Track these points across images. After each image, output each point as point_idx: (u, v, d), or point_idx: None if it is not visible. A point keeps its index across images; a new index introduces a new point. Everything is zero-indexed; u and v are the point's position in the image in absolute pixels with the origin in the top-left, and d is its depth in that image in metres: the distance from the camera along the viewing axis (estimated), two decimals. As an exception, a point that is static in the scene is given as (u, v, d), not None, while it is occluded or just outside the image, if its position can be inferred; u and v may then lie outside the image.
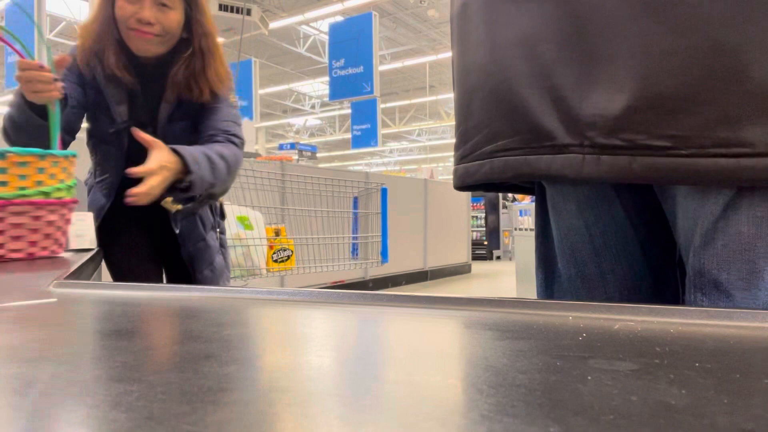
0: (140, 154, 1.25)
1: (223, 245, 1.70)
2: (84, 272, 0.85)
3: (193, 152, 1.29)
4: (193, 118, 1.46)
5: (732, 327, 0.35)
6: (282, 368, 0.29)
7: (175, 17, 1.34)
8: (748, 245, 0.47)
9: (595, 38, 0.48)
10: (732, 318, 0.36)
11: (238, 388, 0.25)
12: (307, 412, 0.21)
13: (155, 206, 1.33)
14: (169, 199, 1.38)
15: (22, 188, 1.02)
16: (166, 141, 1.29)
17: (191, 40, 1.39)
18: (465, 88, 0.61)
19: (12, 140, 1.30)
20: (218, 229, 1.68)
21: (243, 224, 2.27)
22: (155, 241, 1.59)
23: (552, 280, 0.68)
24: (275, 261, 2.42)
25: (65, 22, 10.99)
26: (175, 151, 1.26)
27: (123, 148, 1.44)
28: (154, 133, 1.34)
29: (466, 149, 0.61)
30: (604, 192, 0.60)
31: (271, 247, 2.41)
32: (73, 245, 1.28)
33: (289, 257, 2.43)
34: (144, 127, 1.35)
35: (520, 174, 0.54)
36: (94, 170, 1.54)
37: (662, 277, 0.62)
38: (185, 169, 1.26)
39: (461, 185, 0.63)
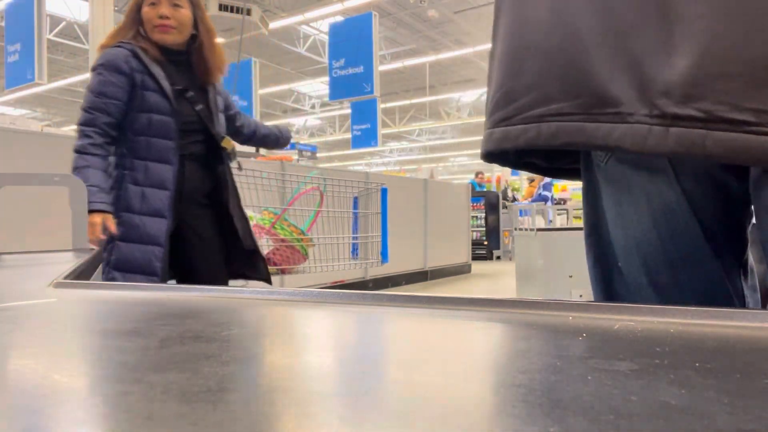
0: (191, 121, 1.79)
1: None
2: (84, 272, 0.85)
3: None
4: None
5: (732, 327, 0.35)
6: (282, 368, 0.29)
7: (185, 13, 1.78)
8: None
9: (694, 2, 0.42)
10: (732, 318, 0.36)
11: (238, 388, 0.25)
12: (307, 412, 0.21)
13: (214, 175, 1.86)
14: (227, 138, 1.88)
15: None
16: (217, 118, 1.86)
17: (198, 36, 1.83)
18: (518, 43, 0.56)
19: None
20: None
21: None
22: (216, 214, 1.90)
23: (611, 279, 0.65)
24: (275, 261, 2.42)
25: (65, 22, 10.99)
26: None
27: (179, 114, 1.79)
28: (207, 106, 1.83)
29: (509, 111, 0.55)
30: (678, 203, 0.56)
31: (271, 247, 2.41)
32: None
33: (289, 257, 2.43)
34: (195, 99, 1.81)
35: (571, 142, 0.49)
36: (133, 154, 1.77)
37: (734, 286, 0.60)
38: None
39: (495, 149, 0.58)
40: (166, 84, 1.74)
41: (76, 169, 1.67)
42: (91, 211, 1.54)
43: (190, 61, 1.84)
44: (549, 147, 0.52)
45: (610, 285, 0.66)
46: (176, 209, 1.77)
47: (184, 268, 1.86)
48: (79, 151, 1.69)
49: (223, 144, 1.87)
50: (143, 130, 1.73)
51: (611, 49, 0.46)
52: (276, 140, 2.19)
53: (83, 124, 1.71)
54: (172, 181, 1.74)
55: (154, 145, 1.74)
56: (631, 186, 0.59)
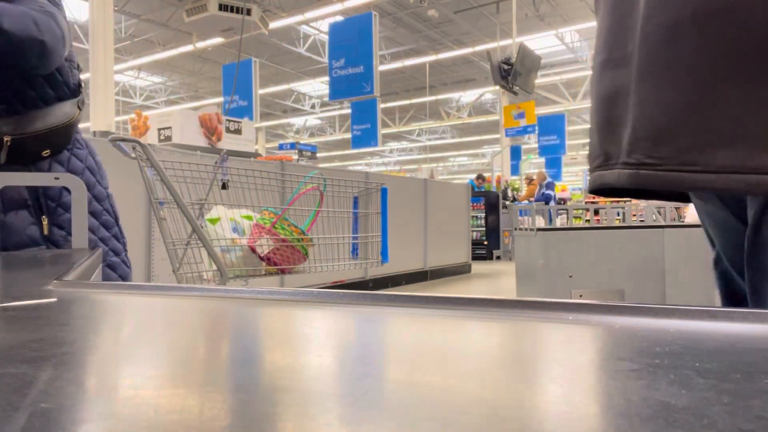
0: None
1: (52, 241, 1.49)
2: (84, 272, 0.85)
3: None
4: None
5: (732, 327, 0.35)
6: (282, 368, 0.29)
7: None
8: None
9: (634, 95, 0.73)
10: (732, 318, 0.36)
11: (238, 389, 0.25)
12: (307, 412, 0.21)
13: None
14: None
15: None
16: None
17: None
18: (591, 123, 0.90)
19: None
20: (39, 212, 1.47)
21: (240, 220, 2.27)
22: None
23: (728, 273, 0.93)
24: (275, 261, 2.41)
25: (65, 22, 10.98)
26: None
27: None
28: None
29: (589, 164, 0.90)
30: (722, 209, 0.83)
31: (271, 247, 2.40)
32: None
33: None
34: None
35: (601, 183, 0.81)
36: None
37: None
38: None
39: (590, 189, 0.91)
40: None
41: None
42: None
43: None
44: (595, 187, 0.84)
45: (729, 280, 0.93)
46: None
47: None
48: None
49: None
50: None
51: (613, 128, 0.79)
52: None
53: None
54: None
55: None
56: (699, 203, 0.90)
